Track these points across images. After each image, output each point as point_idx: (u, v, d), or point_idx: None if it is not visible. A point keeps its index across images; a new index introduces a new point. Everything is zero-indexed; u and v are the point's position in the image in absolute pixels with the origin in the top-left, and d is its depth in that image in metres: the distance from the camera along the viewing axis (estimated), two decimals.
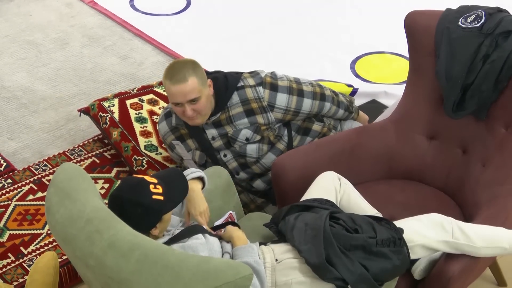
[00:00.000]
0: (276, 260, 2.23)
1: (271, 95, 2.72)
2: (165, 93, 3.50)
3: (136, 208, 2.07)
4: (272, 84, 2.75)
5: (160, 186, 2.12)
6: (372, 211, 2.44)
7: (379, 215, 2.42)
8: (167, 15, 4.54)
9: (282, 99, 2.74)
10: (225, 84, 2.72)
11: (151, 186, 2.10)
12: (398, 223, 2.32)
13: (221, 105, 2.72)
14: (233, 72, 2.83)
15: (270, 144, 2.81)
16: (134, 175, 2.22)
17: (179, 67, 2.61)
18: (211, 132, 2.77)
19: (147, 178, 2.14)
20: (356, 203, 2.47)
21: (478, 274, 2.50)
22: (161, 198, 2.10)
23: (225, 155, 2.81)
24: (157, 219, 2.12)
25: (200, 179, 2.37)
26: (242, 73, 2.81)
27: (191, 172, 2.36)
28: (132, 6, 4.62)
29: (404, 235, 2.26)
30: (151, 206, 2.08)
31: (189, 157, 2.84)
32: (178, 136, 2.84)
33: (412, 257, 2.28)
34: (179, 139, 2.84)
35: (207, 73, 2.73)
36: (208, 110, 2.68)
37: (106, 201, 2.91)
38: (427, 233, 2.29)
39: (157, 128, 2.94)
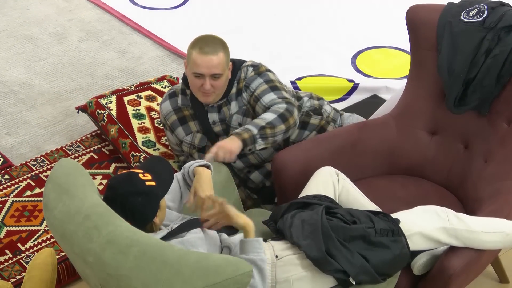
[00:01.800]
0: (276, 256, 2.22)
1: (253, 77, 2.75)
2: (163, 89, 3.48)
3: (136, 197, 2.07)
4: (261, 71, 2.77)
5: (147, 174, 2.13)
6: (371, 206, 2.44)
7: (379, 210, 2.40)
8: (165, 9, 4.52)
9: (256, 82, 2.75)
10: (232, 69, 2.75)
11: (140, 175, 2.12)
12: (394, 215, 2.33)
13: (227, 89, 2.75)
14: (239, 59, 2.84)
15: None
16: (118, 173, 2.22)
17: (211, 40, 2.65)
18: (213, 116, 2.79)
19: (132, 170, 2.16)
20: (355, 198, 2.47)
21: (480, 271, 2.49)
22: (153, 183, 2.12)
23: None
24: (157, 204, 2.13)
25: (206, 167, 2.39)
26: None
27: (195, 162, 2.38)
28: (131, 0, 4.60)
29: (401, 225, 2.27)
30: (149, 192, 2.09)
31: (188, 140, 2.84)
32: (181, 117, 2.84)
33: (412, 248, 2.27)
34: (180, 120, 2.84)
35: None
36: (222, 91, 2.72)
37: None
38: (423, 221, 2.29)
39: (159, 109, 2.93)
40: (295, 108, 2.69)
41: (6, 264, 2.75)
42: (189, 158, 2.94)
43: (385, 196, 2.60)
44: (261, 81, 2.74)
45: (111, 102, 3.35)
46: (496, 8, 2.65)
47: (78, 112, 3.44)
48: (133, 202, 2.06)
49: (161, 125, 3.24)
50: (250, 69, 2.76)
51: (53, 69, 3.94)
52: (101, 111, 3.31)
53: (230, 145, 2.51)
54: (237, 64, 2.78)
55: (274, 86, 2.73)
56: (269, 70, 2.80)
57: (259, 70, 2.77)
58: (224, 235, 2.26)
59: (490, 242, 2.29)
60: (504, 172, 2.54)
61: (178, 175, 2.41)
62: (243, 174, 2.91)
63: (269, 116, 2.61)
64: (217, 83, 2.65)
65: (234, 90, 2.76)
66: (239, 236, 2.26)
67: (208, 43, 2.62)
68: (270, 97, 2.71)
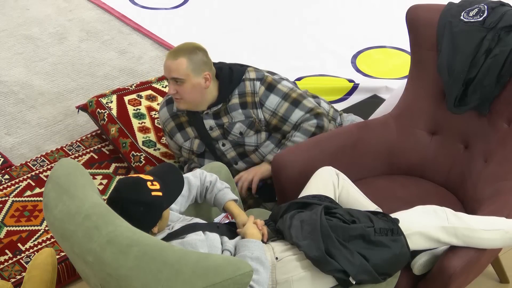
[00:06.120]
0: (277, 258, 2.22)
1: (265, 93, 2.74)
2: (163, 89, 3.48)
3: (138, 206, 2.06)
4: (270, 84, 2.76)
5: (156, 182, 2.12)
6: (371, 206, 2.44)
7: (379, 210, 2.40)
8: (165, 9, 4.52)
9: (273, 100, 2.74)
10: (229, 76, 2.74)
11: (148, 183, 2.10)
12: (393, 215, 2.33)
13: (223, 96, 2.73)
14: (237, 64, 2.82)
15: (268, 132, 2.82)
16: (130, 175, 2.20)
17: (182, 46, 2.68)
18: (209, 123, 2.78)
19: (142, 176, 2.14)
20: (355, 198, 2.46)
21: (480, 271, 2.49)
22: (160, 194, 2.10)
23: (223, 145, 2.82)
24: (159, 215, 2.12)
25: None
26: (247, 66, 2.81)
27: (225, 191, 2.39)
28: (131, 0, 4.60)
29: (400, 225, 2.27)
30: (152, 203, 2.08)
31: (187, 146, 2.84)
32: (178, 123, 2.85)
33: (412, 247, 2.27)
34: (178, 127, 2.85)
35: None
36: (193, 100, 2.70)
37: (105, 197, 2.89)
38: (422, 220, 2.29)
39: (158, 115, 2.94)
40: (324, 117, 2.74)
41: (6, 264, 2.75)
42: (189, 160, 2.94)
43: (385, 196, 2.60)
44: (278, 99, 2.73)
45: (111, 102, 3.35)
46: (496, 8, 2.65)
47: (78, 111, 3.44)
48: (134, 210, 2.05)
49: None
50: (258, 83, 2.73)
51: (53, 69, 3.94)
52: (102, 110, 3.31)
53: (262, 169, 2.72)
54: (235, 73, 2.75)
55: (294, 101, 2.73)
56: (276, 80, 2.77)
57: (266, 82, 2.74)
58: (225, 238, 2.25)
59: (489, 240, 2.29)
60: (504, 172, 2.54)
61: (189, 177, 2.39)
62: None
63: (300, 140, 2.70)
64: (181, 89, 2.64)
65: (236, 101, 2.73)
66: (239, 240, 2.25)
67: (177, 48, 2.67)
68: (297, 114, 2.73)
